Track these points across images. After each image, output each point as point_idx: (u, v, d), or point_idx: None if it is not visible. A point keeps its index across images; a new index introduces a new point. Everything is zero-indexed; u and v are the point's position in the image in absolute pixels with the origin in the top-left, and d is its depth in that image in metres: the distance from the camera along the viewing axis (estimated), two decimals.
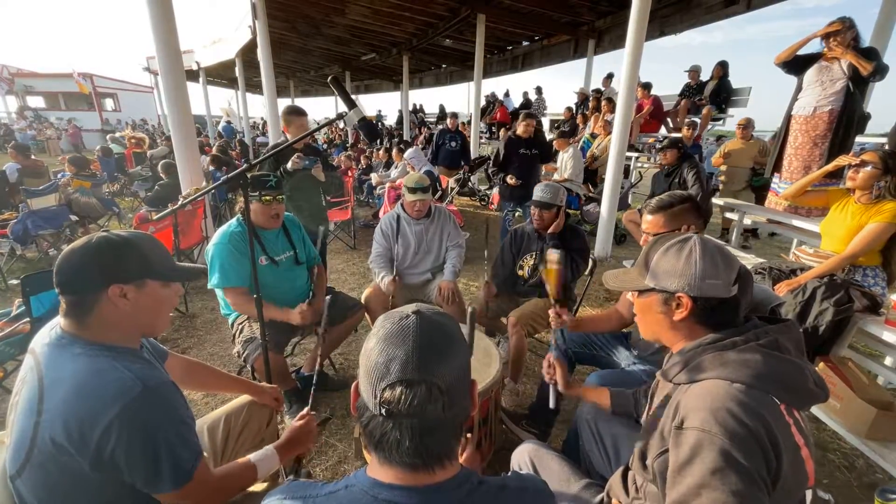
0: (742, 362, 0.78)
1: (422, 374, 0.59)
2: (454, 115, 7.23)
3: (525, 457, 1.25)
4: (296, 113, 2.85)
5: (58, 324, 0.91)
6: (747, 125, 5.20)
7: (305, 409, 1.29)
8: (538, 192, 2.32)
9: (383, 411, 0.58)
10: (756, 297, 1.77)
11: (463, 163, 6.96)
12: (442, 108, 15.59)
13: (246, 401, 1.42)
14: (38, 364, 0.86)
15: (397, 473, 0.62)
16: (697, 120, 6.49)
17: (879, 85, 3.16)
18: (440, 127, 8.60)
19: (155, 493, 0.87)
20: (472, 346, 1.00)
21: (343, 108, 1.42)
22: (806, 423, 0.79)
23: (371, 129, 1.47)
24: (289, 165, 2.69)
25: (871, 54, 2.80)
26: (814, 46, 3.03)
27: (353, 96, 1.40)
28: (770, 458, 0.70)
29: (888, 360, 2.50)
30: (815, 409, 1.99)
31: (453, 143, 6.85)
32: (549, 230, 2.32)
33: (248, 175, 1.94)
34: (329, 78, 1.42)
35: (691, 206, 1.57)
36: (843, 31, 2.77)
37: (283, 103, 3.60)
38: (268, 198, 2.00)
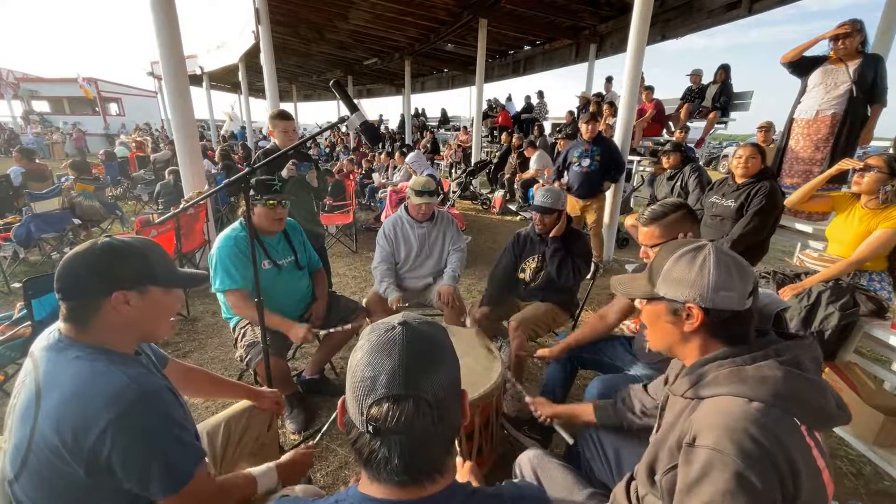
0: (761, 379, 0.74)
1: (409, 389, 0.57)
2: (592, 118, 4.23)
3: (527, 466, 1.23)
4: (281, 117, 2.85)
5: (57, 327, 0.90)
6: (769, 128, 5.07)
7: (312, 442, 1.29)
8: (539, 197, 2.32)
9: (370, 428, 0.57)
10: (760, 302, 1.75)
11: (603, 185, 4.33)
12: (444, 112, 15.67)
13: (246, 406, 1.42)
14: (37, 367, 0.85)
15: (387, 490, 0.60)
16: (691, 125, 6.48)
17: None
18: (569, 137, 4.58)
19: (153, 498, 0.86)
20: None
21: (345, 111, 1.42)
22: (825, 444, 0.75)
23: (373, 132, 1.47)
24: (284, 173, 2.69)
25: (876, 82, 2.79)
26: (821, 48, 3.01)
27: (355, 100, 1.40)
28: (787, 483, 0.67)
29: (895, 366, 2.48)
30: None
31: (586, 162, 4.19)
32: (551, 233, 2.32)
33: (253, 179, 1.96)
34: (331, 82, 1.42)
35: (685, 213, 1.55)
36: (853, 34, 2.75)
37: (286, 108, 3.61)
38: (272, 202, 2.00)
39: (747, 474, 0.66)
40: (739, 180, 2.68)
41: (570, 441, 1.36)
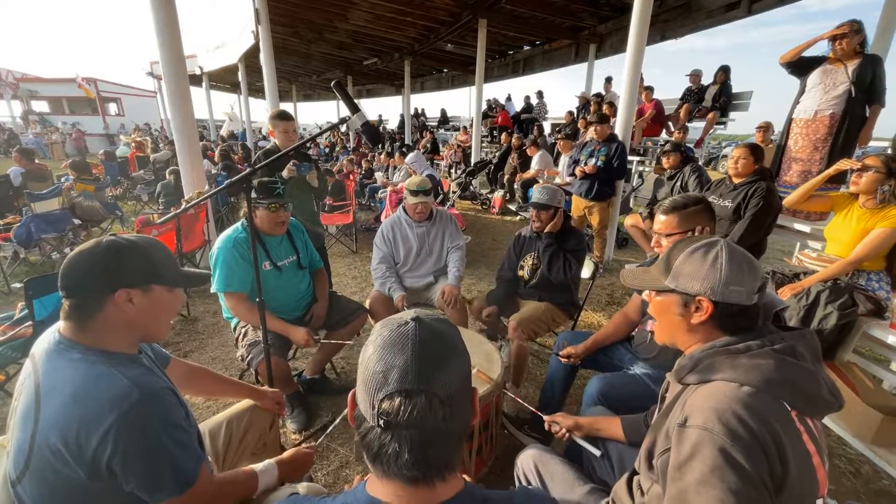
0: (754, 366, 0.77)
1: (421, 384, 0.57)
2: (601, 121, 4.14)
3: (529, 462, 1.24)
4: (281, 117, 2.84)
5: (57, 328, 0.90)
6: (768, 128, 5.09)
7: (315, 443, 1.28)
8: (536, 194, 2.34)
9: (381, 422, 0.57)
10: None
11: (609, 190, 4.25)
12: (444, 112, 15.66)
13: (247, 405, 1.42)
14: (36, 370, 0.86)
15: (397, 489, 0.60)
16: (690, 125, 6.48)
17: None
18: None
19: (155, 500, 0.86)
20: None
21: (346, 112, 1.42)
22: (820, 432, 0.77)
23: (373, 133, 1.48)
24: (284, 173, 2.69)
25: (875, 85, 2.79)
26: (820, 49, 3.02)
27: (355, 101, 1.41)
28: (775, 465, 0.69)
29: (894, 365, 2.48)
30: None
31: (592, 161, 4.13)
32: (546, 230, 2.33)
33: (257, 182, 1.97)
34: (332, 82, 1.43)
35: (704, 207, 1.59)
36: (851, 35, 2.76)
37: (286, 108, 3.61)
38: (275, 206, 2.01)
39: (734, 453, 0.69)
40: (735, 180, 2.70)
41: (598, 453, 1.31)
